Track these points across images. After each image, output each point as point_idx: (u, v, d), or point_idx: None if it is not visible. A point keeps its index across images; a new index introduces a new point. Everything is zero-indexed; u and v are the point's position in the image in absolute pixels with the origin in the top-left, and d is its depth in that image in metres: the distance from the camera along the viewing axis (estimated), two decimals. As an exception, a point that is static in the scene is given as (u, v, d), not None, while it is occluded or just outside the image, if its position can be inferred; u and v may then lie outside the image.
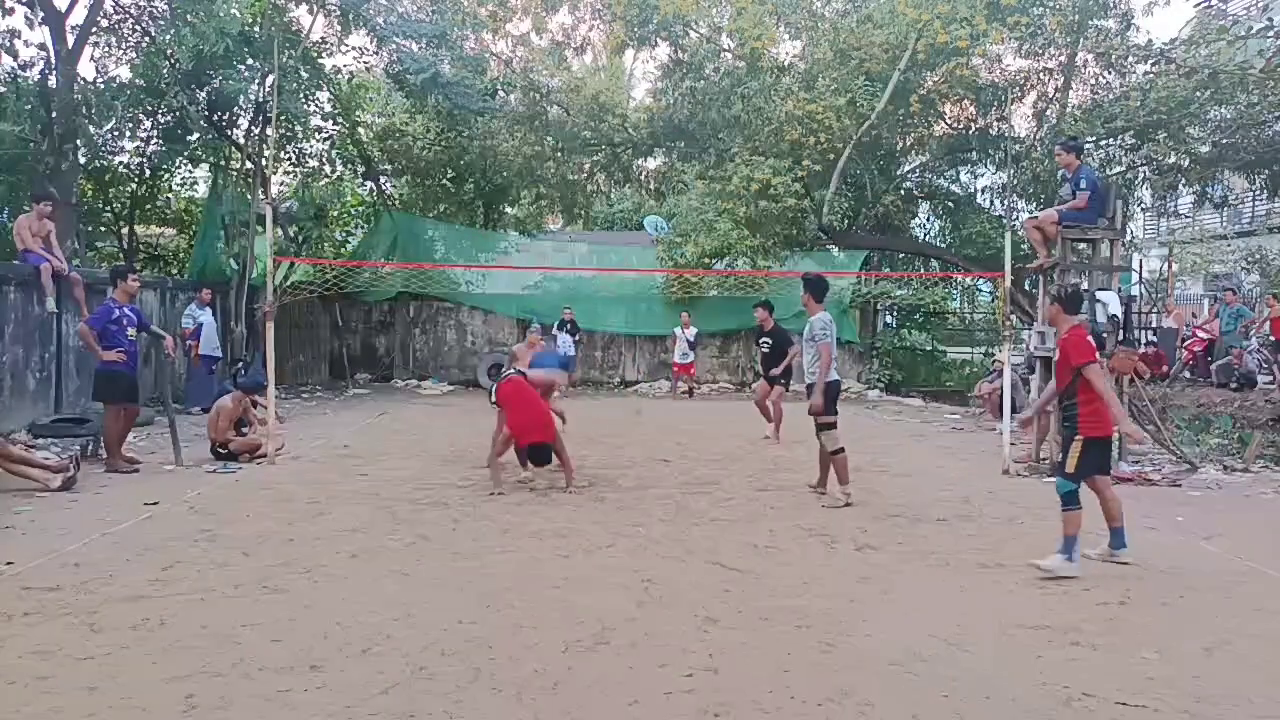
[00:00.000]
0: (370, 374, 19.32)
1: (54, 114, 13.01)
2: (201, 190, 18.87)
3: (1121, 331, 9.27)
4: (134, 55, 15.16)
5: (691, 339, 17.22)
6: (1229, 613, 4.92)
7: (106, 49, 15.26)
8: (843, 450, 7.49)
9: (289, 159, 17.93)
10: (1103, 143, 17.03)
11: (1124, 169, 17.53)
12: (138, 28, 15.15)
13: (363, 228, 21.52)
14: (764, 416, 11.68)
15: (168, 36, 14.35)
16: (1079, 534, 5.51)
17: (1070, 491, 5.56)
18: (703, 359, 19.50)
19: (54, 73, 13.28)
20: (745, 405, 15.20)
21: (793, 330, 19.19)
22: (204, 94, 15.21)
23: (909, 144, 19.11)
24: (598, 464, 9.54)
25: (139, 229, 17.80)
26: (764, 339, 11.75)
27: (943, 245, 20.30)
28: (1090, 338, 5.71)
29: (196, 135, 15.86)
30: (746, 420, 12.18)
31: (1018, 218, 13.72)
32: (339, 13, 16.56)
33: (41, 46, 13.32)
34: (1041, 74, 17.69)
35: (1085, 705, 3.69)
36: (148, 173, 16.92)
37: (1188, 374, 14.38)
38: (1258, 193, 18.86)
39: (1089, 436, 5.58)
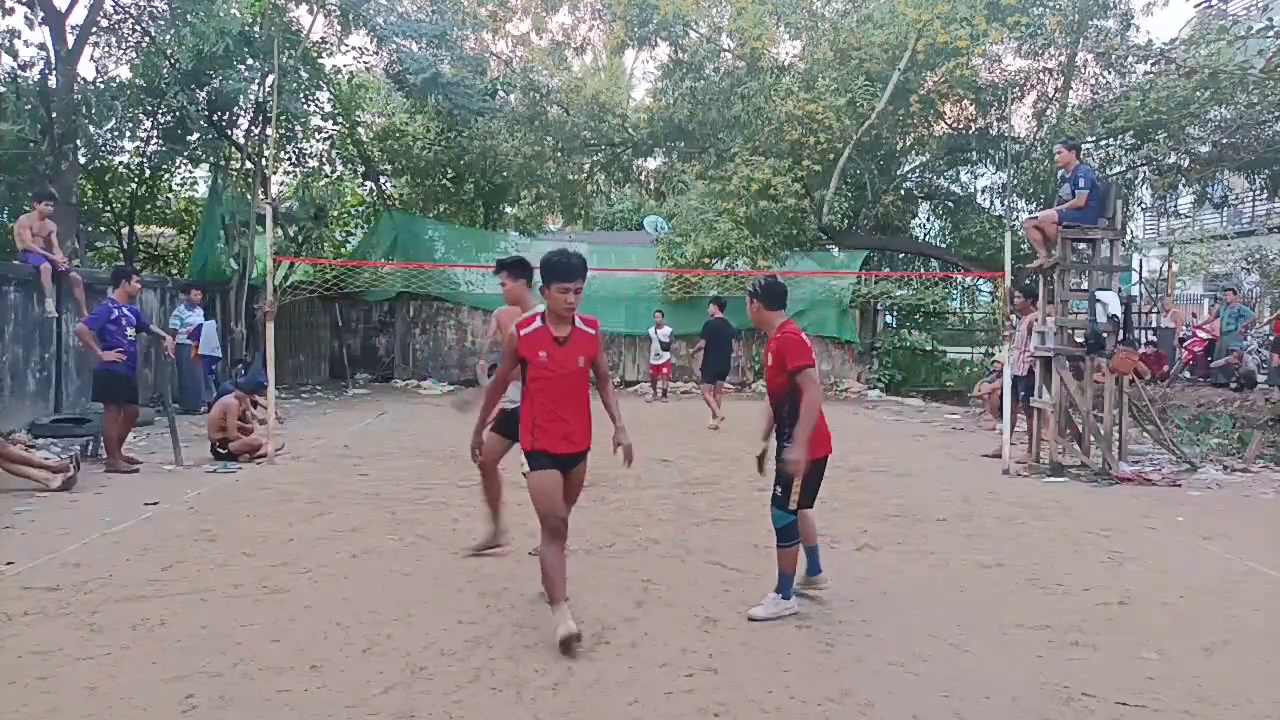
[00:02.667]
0: (370, 374, 19.33)
1: (54, 114, 13.02)
2: (201, 190, 18.89)
3: (1121, 331, 9.26)
4: (134, 55, 15.17)
5: (665, 339, 17.16)
6: (1229, 613, 4.92)
7: (106, 49, 15.27)
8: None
9: (289, 159, 17.94)
10: (1103, 143, 17.07)
11: (1124, 169, 17.57)
12: (138, 28, 15.17)
13: (363, 228, 21.53)
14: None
15: (168, 36, 14.36)
16: (795, 571, 4.77)
17: (789, 525, 4.67)
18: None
19: (54, 73, 13.28)
20: (746, 405, 15.21)
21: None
22: (204, 94, 15.22)
23: (909, 144, 19.15)
24: (597, 464, 9.52)
25: (139, 229, 17.82)
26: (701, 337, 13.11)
27: (943, 245, 20.33)
28: (805, 336, 4.77)
29: (196, 135, 15.87)
30: (746, 421, 12.17)
31: (1018, 218, 13.73)
32: (339, 13, 16.58)
33: (41, 46, 13.34)
34: (1041, 74, 17.74)
35: (1085, 705, 3.69)
36: (148, 173, 16.94)
37: (1188, 374, 14.38)
38: (1258, 193, 18.88)
39: (811, 459, 4.60)
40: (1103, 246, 9.36)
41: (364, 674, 3.88)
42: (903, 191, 20.27)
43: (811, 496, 4.75)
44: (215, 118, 15.91)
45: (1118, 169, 17.43)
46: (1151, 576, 5.59)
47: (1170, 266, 21.62)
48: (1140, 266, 19.83)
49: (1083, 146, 14.59)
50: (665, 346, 17.23)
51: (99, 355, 8.58)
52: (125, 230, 17.18)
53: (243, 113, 16.30)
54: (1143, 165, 17.46)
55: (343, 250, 20.87)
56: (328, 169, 19.21)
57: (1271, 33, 13.12)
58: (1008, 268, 9.86)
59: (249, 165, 16.26)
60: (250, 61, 14.93)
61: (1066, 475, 8.98)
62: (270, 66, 13.85)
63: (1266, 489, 8.66)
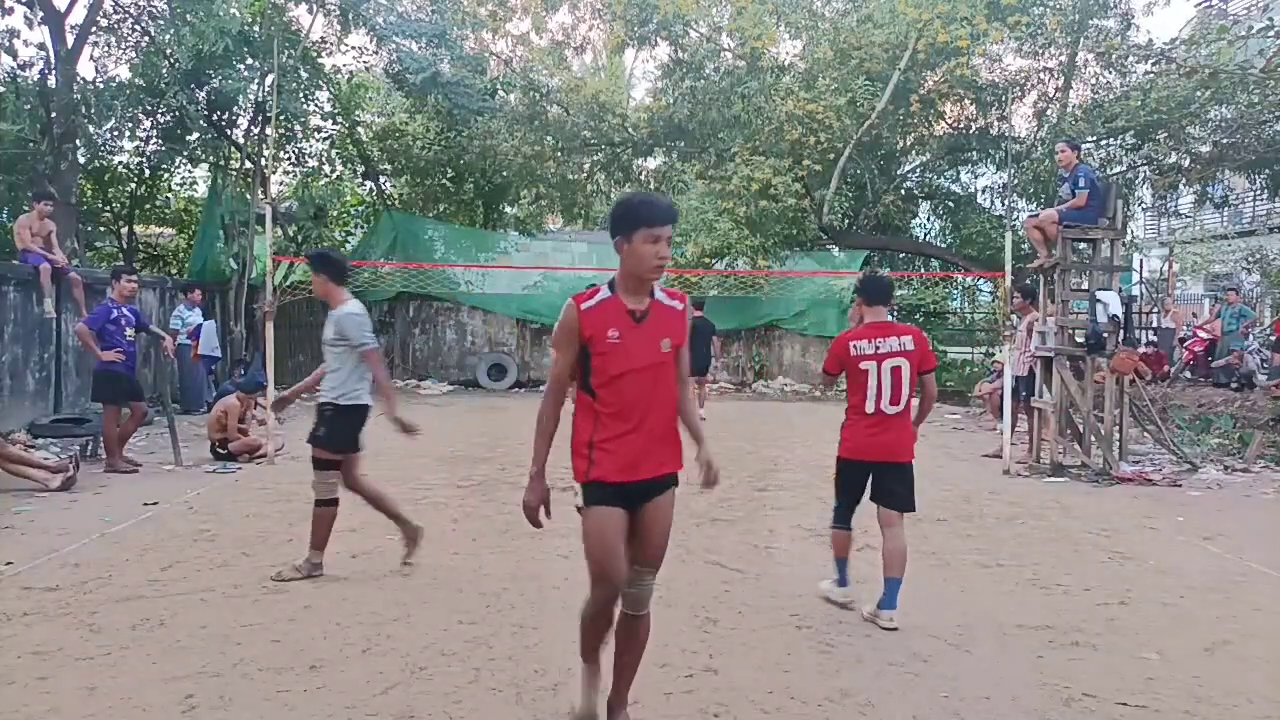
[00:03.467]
0: (370, 374, 19.28)
1: (54, 114, 13.02)
2: (201, 190, 18.88)
3: (1122, 331, 9.26)
4: (133, 55, 15.17)
5: None
6: (1229, 613, 4.92)
7: (106, 49, 15.27)
8: (334, 504, 5.38)
9: (289, 159, 17.93)
10: (1103, 142, 17.06)
11: (1124, 169, 17.56)
12: (137, 27, 15.17)
13: (362, 228, 21.52)
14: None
15: (167, 36, 14.36)
16: (847, 558, 4.91)
17: (834, 509, 4.94)
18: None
19: (53, 72, 13.29)
20: (746, 405, 15.22)
21: (793, 330, 19.43)
22: (204, 94, 15.22)
23: (909, 144, 19.13)
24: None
25: (138, 229, 17.81)
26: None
27: (943, 245, 20.32)
28: (854, 343, 4.75)
29: (196, 135, 15.87)
30: (746, 420, 12.18)
31: (1018, 217, 13.72)
32: (339, 12, 16.57)
33: (41, 46, 13.35)
34: (1042, 74, 17.73)
35: (1085, 705, 3.69)
36: (147, 173, 16.94)
37: (1188, 374, 14.38)
38: (1258, 192, 18.88)
39: (841, 458, 4.85)
40: (1103, 246, 9.36)
41: (364, 674, 3.88)
42: (903, 191, 20.25)
43: (845, 497, 4.88)
44: (215, 117, 15.90)
45: (1118, 169, 17.42)
46: (1151, 576, 5.59)
47: (1171, 266, 21.62)
48: (1141, 266, 19.83)
49: (1083, 146, 14.59)
50: None
51: (98, 355, 8.57)
52: (125, 230, 17.17)
53: (242, 112, 16.29)
54: (1143, 165, 17.45)
55: (342, 250, 20.85)
56: (327, 169, 19.19)
57: (1272, 33, 13.10)
58: (1008, 268, 9.86)
59: (249, 165, 16.25)
60: (250, 61, 14.92)
61: (1067, 475, 8.98)
62: (270, 66, 13.83)
63: (1267, 489, 8.66)
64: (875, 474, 4.78)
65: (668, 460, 3.21)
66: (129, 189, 17.07)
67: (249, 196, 15.93)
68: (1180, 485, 8.75)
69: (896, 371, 4.66)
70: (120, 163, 16.77)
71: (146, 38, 15.03)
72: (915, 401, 4.81)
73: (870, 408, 4.67)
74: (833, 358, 4.83)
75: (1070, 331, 9.36)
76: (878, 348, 4.69)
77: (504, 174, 20.10)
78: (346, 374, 5.33)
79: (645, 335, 3.13)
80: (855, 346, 4.72)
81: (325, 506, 5.33)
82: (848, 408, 4.80)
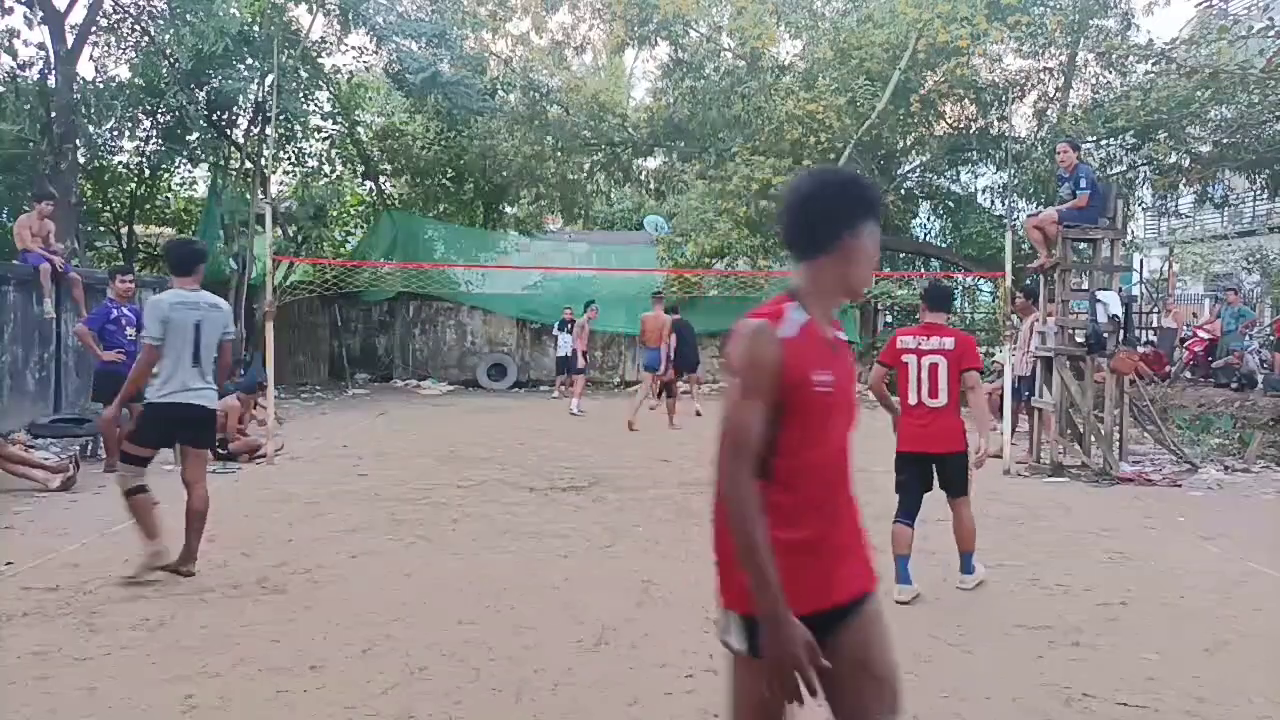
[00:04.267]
0: (370, 374, 19.31)
1: (53, 114, 13.02)
2: (201, 190, 18.90)
3: (1122, 331, 9.26)
4: (133, 55, 15.18)
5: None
6: (1229, 613, 4.92)
7: (106, 49, 15.29)
8: (141, 490, 5.23)
9: (289, 159, 17.94)
10: (1103, 142, 17.06)
11: (1125, 169, 17.55)
12: (137, 27, 15.17)
13: (362, 227, 21.52)
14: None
15: (167, 36, 14.36)
16: (904, 554, 5.08)
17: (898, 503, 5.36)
18: (702, 359, 19.44)
19: (53, 72, 13.29)
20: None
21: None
22: (203, 94, 15.23)
23: (909, 144, 19.12)
24: (598, 464, 9.54)
25: (138, 229, 17.82)
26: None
27: (943, 245, 20.31)
28: (902, 338, 5.23)
29: (196, 135, 15.87)
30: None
31: (1018, 217, 13.71)
32: (339, 12, 16.58)
33: (41, 46, 13.35)
34: (1042, 74, 17.73)
35: (1085, 705, 3.69)
36: (147, 172, 16.95)
37: (1188, 374, 14.38)
38: (1258, 192, 18.86)
39: (897, 451, 5.27)
40: (1103, 246, 9.35)
41: (364, 674, 3.87)
42: (903, 191, 20.23)
43: (900, 490, 5.21)
44: (215, 117, 15.91)
45: (1118, 169, 17.41)
46: (1151, 576, 5.59)
47: (1171, 266, 21.61)
48: (1141, 266, 19.81)
49: (1083, 146, 14.60)
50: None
51: (98, 356, 8.57)
52: (125, 230, 17.18)
53: (242, 112, 16.30)
54: (1143, 165, 17.44)
55: (342, 250, 20.86)
56: (327, 169, 19.20)
57: (1272, 32, 13.10)
58: (1008, 268, 9.85)
59: (248, 165, 16.26)
60: (250, 61, 14.93)
61: (1067, 475, 8.98)
62: (270, 66, 13.84)
63: (1267, 489, 8.66)
64: (934, 464, 5.15)
65: (864, 568, 2.16)
66: (129, 189, 17.09)
67: (249, 196, 15.93)
68: (1180, 485, 8.74)
69: (934, 368, 5.05)
70: (120, 163, 16.79)
71: (146, 38, 15.03)
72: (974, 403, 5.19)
73: (913, 399, 5.08)
74: (886, 349, 5.28)
75: (1070, 331, 9.35)
76: (920, 345, 5.11)
77: (504, 174, 20.09)
78: (169, 366, 5.09)
79: (846, 373, 2.15)
80: (902, 341, 5.19)
81: (133, 495, 5.15)
82: (899, 404, 5.18)
